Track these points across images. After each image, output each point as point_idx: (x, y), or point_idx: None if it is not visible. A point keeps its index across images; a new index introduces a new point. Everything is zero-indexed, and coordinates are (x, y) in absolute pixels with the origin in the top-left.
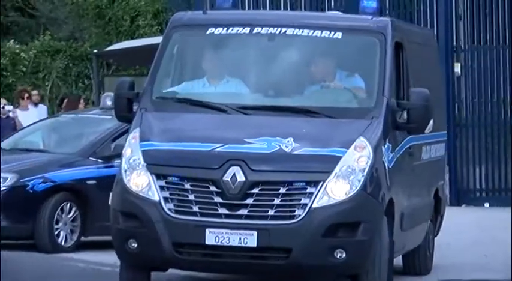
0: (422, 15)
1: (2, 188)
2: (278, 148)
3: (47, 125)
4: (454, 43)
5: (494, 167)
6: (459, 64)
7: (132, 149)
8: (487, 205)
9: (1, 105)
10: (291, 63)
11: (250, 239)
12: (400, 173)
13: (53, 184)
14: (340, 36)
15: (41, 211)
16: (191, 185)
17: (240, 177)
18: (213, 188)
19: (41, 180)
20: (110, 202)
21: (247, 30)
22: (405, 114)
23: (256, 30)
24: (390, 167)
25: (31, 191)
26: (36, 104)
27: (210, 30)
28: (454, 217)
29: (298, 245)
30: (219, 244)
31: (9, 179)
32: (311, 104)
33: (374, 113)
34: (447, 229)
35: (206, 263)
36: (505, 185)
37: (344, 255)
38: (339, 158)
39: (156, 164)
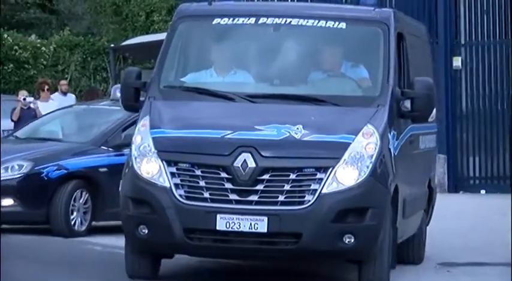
0: (423, 10)
1: (18, 175)
2: (288, 134)
3: (61, 115)
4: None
5: (489, 156)
6: (459, 58)
7: (142, 136)
8: (483, 192)
9: (22, 97)
10: (297, 53)
11: (261, 225)
12: (404, 161)
13: (66, 171)
14: (344, 27)
15: (57, 197)
16: (202, 172)
17: (251, 163)
18: (223, 175)
19: (55, 168)
20: (120, 189)
21: (252, 20)
22: (407, 103)
23: (261, 20)
24: (396, 154)
25: (46, 179)
26: (65, 93)
27: (216, 20)
28: (452, 203)
29: (308, 230)
30: (229, 229)
31: (25, 166)
32: (317, 92)
33: (380, 101)
34: (446, 214)
35: (216, 248)
36: (500, 174)
37: (353, 240)
38: (348, 144)
39: (166, 150)
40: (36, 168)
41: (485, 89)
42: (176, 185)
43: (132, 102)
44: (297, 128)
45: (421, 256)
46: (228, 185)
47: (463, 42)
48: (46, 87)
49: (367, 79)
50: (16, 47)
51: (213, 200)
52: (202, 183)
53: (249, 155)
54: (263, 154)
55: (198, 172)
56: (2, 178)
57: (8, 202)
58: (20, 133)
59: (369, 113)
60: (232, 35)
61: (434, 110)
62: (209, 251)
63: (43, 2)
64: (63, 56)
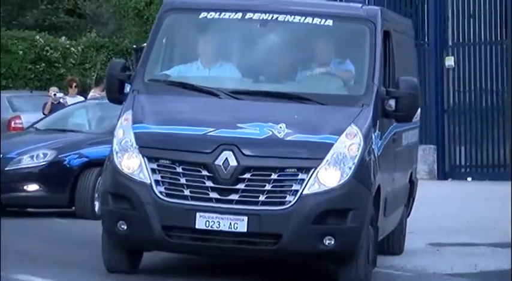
0: (415, 14)
1: (42, 163)
2: (270, 133)
3: (78, 109)
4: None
5: (475, 147)
6: (452, 58)
7: (124, 130)
8: (469, 179)
9: (53, 93)
10: (282, 49)
11: (241, 224)
12: (386, 160)
13: (87, 159)
14: (331, 24)
15: (82, 183)
16: (183, 169)
17: (232, 162)
18: (204, 173)
19: (77, 156)
20: (100, 183)
21: (239, 15)
22: (392, 102)
23: (248, 15)
24: (379, 154)
25: (68, 166)
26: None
27: (203, 14)
28: (441, 189)
29: (288, 231)
30: (209, 228)
31: (49, 155)
32: (302, 90)
33: (364, 101)
34: (435, 199)
35: (195, 247)
36: (484, 162)
37: (333, 242)
38: (331, 145)
39: (148, 146)
40: (59, 156)
41: (471, 86)
42: (156, 182)
43: (117, 95)
44: (280, 127)
45: (402, 248)
46: (209, 184)
47: (450, 43)
48: (74, 84)
49: (352, 76)
50: (47, 48)
51: (193, 198)
52: (182, 180)
53: (231, 153)
54: (245, 152)
55: (179, 169)
56: (27, 166)
57: (33, 187)
58: (40, 125)
59: (353, 113)
60: (218, 30)
61: (419, 109)
62: (188, 249)
63: (71, 7)
64: (90, 56)
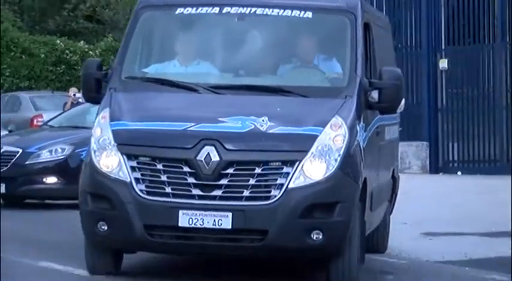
0: (409, 19)
1: (60, 157)
2: (253, 127)
3: (88, 107)
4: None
5: (465, 143)
6: (446, 60)
7: (101, 128)
8: (459, 173)
9: (73, 93)
10: (262, 43)
11: (225, 221)
12: (371, 153)
13: None
14: (310, 16)
15: None
16: (163, 166)
17: (214, 157)
18: (186, 169)
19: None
20: (79, 183)
21: (216, 10)
22: (374, 94)
23: (225, 9)
24: (364, 146)
25: (83, 159)
26: None
27: (179, 10)
28: (433, 182)
29: (274, 226)
30: (192, 226)
31: (67, 149)
32: (284, 83)
33: (348, 92)
34: (428, 192)
35: (179, 245)
36: (474, 158)
37: (321, 236)
38: (315, 137)
39: (126, 144)
40: (76, 151)
41: (462, 87)
42: (137, 180)
43: (94, 94)
44: (263, 120)
45: (385, 245)
46: (191, 180)
47: (443, 46)
48: None
49: (334, 69)
50: (67, 51)
51: (175, 196)
52: (163, 177)
53: (213, 148)
54: (227, 147)
55: (159, 166)
56: (46, 160)
57: (51, 179)
58: (53, 122)
59: (337, 105)
60: (195, 25)
61: (403, 100)
62: (171, 248)
63: (90, 14)
64: (107, 59)
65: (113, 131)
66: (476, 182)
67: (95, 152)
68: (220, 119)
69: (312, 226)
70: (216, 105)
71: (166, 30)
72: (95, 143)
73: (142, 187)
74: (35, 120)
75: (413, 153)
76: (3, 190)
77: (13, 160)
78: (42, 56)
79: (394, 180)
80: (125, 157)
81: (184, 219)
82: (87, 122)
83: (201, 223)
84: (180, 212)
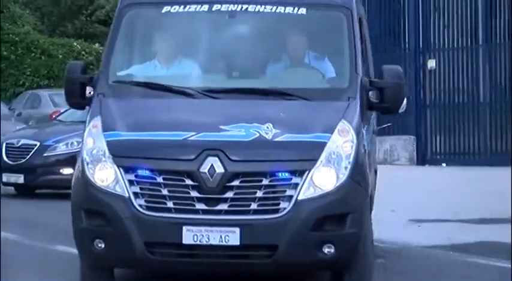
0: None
1: (76, 150)
2: (258, 135)
3: None
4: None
5: (449, 137)
6: (433, 60)
7: (94, 139)
8: (444, 165)
9: (89, 91)
10: (255, 42)
11: (232, 237)
12: (371, 156)
13: None
14: (304, 12)
15: None
16: (164, 179)
17: (219, 168)
18: (188, 182)
19: None
20: (71, 199)
21: (205, 7)
22: (375, 93)
23: (215, 7)
24: (368, 150)
25: None
26: None
27: (166, 8)
28: (419, 173)
29: (285, 241)
30: (197, 243)
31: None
32: (282, 85)
33: (350, 93)
34: (415, 182)
35: (182, 263)
36: (457, 150)
37: (333, 250)
38: (324, 144)
39: (123, 156)
40: None
41: (446, 85)
42: (135, 194)
43: (78, 99)
44: (267, 127)
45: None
46: (194, 194)
47: (432, 47)
48: None
49: (332, 69)
50: (83, 53)
51: (177, 211)
52: (164, 191)
53: (216, 159)
54: (232, 157)
55: (159, 179)
56: (63, 152)
57: (68, 171)
58: (61, 117)
59: (341, 108)
60: (184, 24)
61: (405, 100)
62: (174, 267)
63: (104, 18)
64: None
65: (107, 142)
66: (459, 173)
67: (87, 164)
68: (221, 127)
69: (324, 239)
70: (214, 112)
71: (152, 30)
72: (87, 155)
73: (142, 201)
74: (53, 116)
75: (401, 146)
76: (21, 181)
77: (31, 153)
78: (60, 56)
79: (376, 174)
80: (121, 170)
81: (189, 236)
82: None
83: (207, 240)
84: (184, 228)
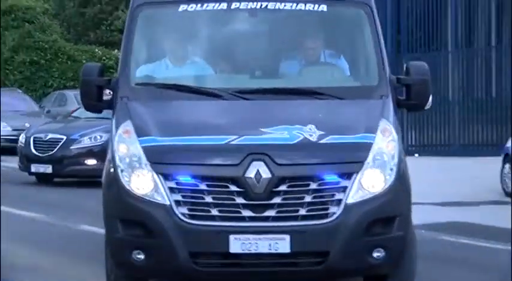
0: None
1: (99, 143)
2: (302, 137)
3: None
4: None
5: (421, 131)
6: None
7: (127, 145)
8: (416, 155)
9: (109, 91)
10: (277, 41)
11: (282, 244)
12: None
13: None
14: (325, 9)
15: None
16: (207, 186)
17: (265, 173)
18: (233, 188)
19: None
20: (103, 208)
21: (224, 5)
22: (402, 90)
23: (234, 5)
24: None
25: None
26: None
27: (182, 7)
28: None
29: (336, 247)
30: (245, 251)
31: (103, 136)
32: (313, 84)
33: (382, 91)
34: None
35: (229, 273)
36: (428, 142)
37: (382, 254)
38: (370, 145)
39: (162, 162)
40: None
41: None
42: (177, 202)
43: (95, 102)
44: (310, 129)
45: None
46: (240, 200)
47: (406, 53)
48: None
49: (360, 67)
50: (104, 58)
51: (223, 218)
52: (208, 199)
53: (262, 163)
54: (278, 161)
55: (202, 186)
56: (87, 145)
57: (91, 161)
58: (76, 114)
59: (377, 106)
60: (203, 23)
61: (431, 97)
62: (221, 277)
63: (122, 28)
64: None
65: (143, 148)
66: (430, 162)
67: (122, 171)
68: (262, 129)
69: (374, 243)
70: (250, 113)
71: (170, 30)
72: (121, 162)
73: (184, 210)
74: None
75: None
76: (50, 170)
77: (59, 146)
78: (84, 61)
79: None
80: (161, 177)
81: (236, 244)
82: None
83: (255, 248)
84: (231, 237)
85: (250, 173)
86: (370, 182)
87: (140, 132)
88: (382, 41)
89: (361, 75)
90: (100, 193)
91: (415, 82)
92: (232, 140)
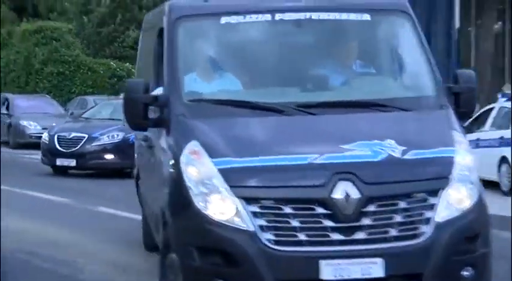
0: None
1: (116, 140)
2: (385, 153)
3: (109, 104)
4: None
5: None
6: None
7: (199, 168)
8: None
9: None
10: (325, 52)
11: (375, 269)
12: None
13: None
14: (369, 18)
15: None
16: (293, 209)
17: (354, 193)
18: (320, 210)
19: (134, 135)
20: (171, 232)
21: (268, 17)
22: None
23: (278, 16)
24: None
25: (131, 142)
26: None
27: (224, 19)
28: None
29: (429, 268)
30: (338, 278)
31: (120, 135)
32: (375, 96)
33: (441, 101)
34: None
35: None
36: None
37: (472, 272)
38: (452, 159)
39: (243, 185)
40: (126, 136)
41: None
42: (261, 228)
43: (141, 120)
44: (390, 144)
45: None
46: (328, 223)
47: None
48: None
49: (412, 76)
50: (118, 69)
51: (311, 243)
52: (295, 223)
53: (349, 183)
54: (366, 180)
55: (287, 210)
56: (104, 142)
57: (110, 156)
58: (87, 115)
59: (442, 117)
60: (248, 36)
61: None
62: None
63: (132, 44)
64: None
65: (220, 170)
66: None
67: (196, 196)
68: (342, 146)
69: (463, 262)
70: (322, 130)
71: (216, 44)
72: (194, 186)
73: (270, 235)
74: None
75: None
76: (74, 164)
77: (81, 143)
78: (101, 72)
79: None
80: (243, 201)
81: (328, 271)
82: (116, 116)
83: (348, 274)
84: (322, 262)
85: (338, 194)
86: (457, 198)
87: (213, 153)
88: (428, 48)
89: (418, 85)
90: (118, 183)
91: (463, 90)
92: (315, 159)
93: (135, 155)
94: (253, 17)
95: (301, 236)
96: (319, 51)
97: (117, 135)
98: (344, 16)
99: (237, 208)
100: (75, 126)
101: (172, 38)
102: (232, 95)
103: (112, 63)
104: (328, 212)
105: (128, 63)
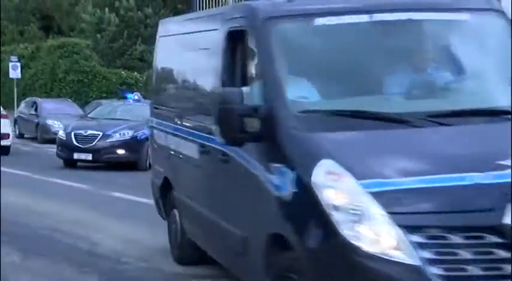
0: None
1: (126, 137)
2: None
3: (116, 106)
4: None
5: None
6: None
7: (344, 192)
8: None
9: (136, 96)
10: (428, 55)
11: None
12: None
13: (147, 135)
14: (468, 18)
15: (144, 148)
16: (464, 238)
17: None
18: (492, 239)
19: (142, 133)
20: (309, 264)
21: (364, 17)
22: None
23: (376, 17)
24: None
25: (138, 139)
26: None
27: (319, 20)
28: None
29: None
30: None
31: (130, 133)
32: (492, 103)
33: None
34: None
35: None
36: None
37: None
38: None
39: (404, 212)
40: (135, 133)
41: None
42: (429, 261)
43: (238, 134)
44: None
45: None
46: (502, 253)
47: None
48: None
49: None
50: (127, 78)
51: (486, 278)
52: (467, 255)
53: None
54: None
55: (457, 239)
56: (117, 139)
57: (121, 151)
58: (92, 115)
59: None
60: (347, 38)
61: None
62: None
63: (139, 56)
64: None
65: (374, 194)
66: None
67: (342, 223)
68: (499, 162)
69: None
70: (467, 143)
71: (312, 47)
72: (338, 213)
73: (440, 270)
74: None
75: None
76: (90, 158)
77: (97, 139)
78: (114, 80)
79: None
80: (404, 229)
81: None
82: (117, 115)
83: None
84: None
85: (510, 219)
86: None
87: (359, 173)
88: None
89: None
90: (129, 174)
91: None
92: (478, 179)
93: (155, 161)
94: (350, 18)
95: (475, 271)
96: (423, 54)
97: (128, 133)
98: (444, 16)
99: (397, 238)
100: (89, 124)
101: (263, 41)
102: (345, 104)
103: (123, 72)
104: (502, 241)
105: (135, 73)
